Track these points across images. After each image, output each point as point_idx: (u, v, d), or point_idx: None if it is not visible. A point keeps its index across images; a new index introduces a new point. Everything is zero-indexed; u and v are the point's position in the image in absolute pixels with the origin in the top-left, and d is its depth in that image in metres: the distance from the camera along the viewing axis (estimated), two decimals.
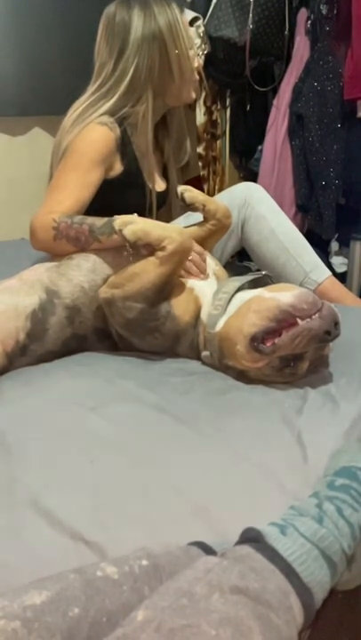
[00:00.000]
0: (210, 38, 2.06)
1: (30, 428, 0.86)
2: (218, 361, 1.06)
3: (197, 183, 2.35)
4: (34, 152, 2.17)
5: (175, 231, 1.05)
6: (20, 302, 1.09)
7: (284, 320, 0.96)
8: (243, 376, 1.02)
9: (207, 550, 0.57)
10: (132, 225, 1.04)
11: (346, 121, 2.07)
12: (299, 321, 0.95)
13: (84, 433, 0.85)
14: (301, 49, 2.10)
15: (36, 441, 0.83)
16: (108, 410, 0.91)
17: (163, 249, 1.03)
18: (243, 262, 2.29)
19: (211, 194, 2.41)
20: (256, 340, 0.97)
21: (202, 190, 2.39)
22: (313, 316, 0.95)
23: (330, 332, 0.94)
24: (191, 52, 1.32)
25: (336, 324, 0.95)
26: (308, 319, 0.94)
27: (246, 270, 2.17)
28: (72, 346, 1.12)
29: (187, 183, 2.18)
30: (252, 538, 0.55)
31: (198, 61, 1.38)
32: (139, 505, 0.71)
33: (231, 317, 1.04)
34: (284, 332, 0.96)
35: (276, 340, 0.96)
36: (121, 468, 0.78)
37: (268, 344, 0.97)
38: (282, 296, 0.98)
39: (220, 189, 2.43)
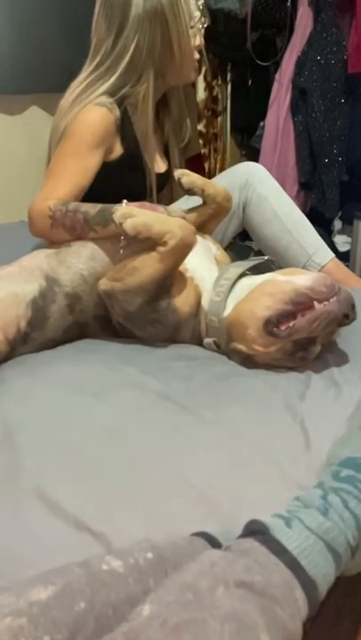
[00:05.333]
0: (210, 11, 2.00)
1: (34, 416, 0.86)
2: (224, 345, 1.05)
3: (198, 161, 2.31)
4: (31, 131, 2.13)
5: (176, 225, 1.03)
6: (20, 289, 1.08)
7: (301, 303, 0.95)
8: (249, 361, 1.02)
9: (211, 540, 0.57)
10: (133, 218, 1.02)
11: (350, 95, 2.02)
12: (316, 304, 0.95)
13: (88, 421, 0.85)
14: (304, 20, 2.03)
15: (40, 430, 0.83)
16: (110, 397, 0.91)
17: (164, 244, 1.02)
18: (245, 242, 2.27)
19: (212, 172, 2.37)
20: (270, 324, 0.96)
21: (203, 168, 2.37)
22: (331, 300, 0.94)
23: (348, 314, 0.94)
24: (192, 30, 1.28)
25: (353, 307, 0.95)
26: (326, 302, 0.94)
27: (248, 250, 2.16)
28: (73, 333, 1.12)
29: (187, 161, 2.15)
30: (256, 530, 0.55)
31: (199, 39, 1.34)
32: (143, 493, 0.72)
33: (242, 301, 1.03)
34: (300, 316, 0.95)
35: (292, 324, 0.95)
36: (125, 456, 0.78)
37: (283, 328, 0.96)
38: (299, 279, 0.97)
39: (222, 167, 2.39)
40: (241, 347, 1.01)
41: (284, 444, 0.81)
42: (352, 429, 0.81)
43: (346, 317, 0.94)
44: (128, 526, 0.67)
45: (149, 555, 0.52)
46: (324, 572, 0.52)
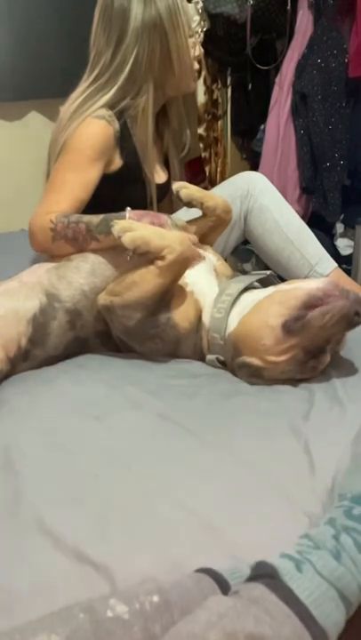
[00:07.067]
0: (209, 15, 1.98)
1: (34, 441, 0.85)
2: (230, 361, 1.04)
3: (199, 164, 2.30)
4: (31, 137, 2.12)
5: (175, 240, 1.03)
6: (20, 306, 1.07)
7: (314, 306, 0.95)
8: (258, 375, 1.00)
9: (218, 579, 0.56)
10: (131, 232, 1.01)
11: (351, 99, 2.00)
12: None
13: (89, 445, 0.84)
14: (304, 24, 2.01)
15: (40, 455, 0.82)
16: (112, 419, 0.90)
17: (162, 258, 1.01)
18: (247, 245, 2.25)
19: (213, 176, 2.36)
20: (287, 327, 0.96)
21: (204, 172, 2.35)
22: None
23: (359, 312, 0.94)
24: (191, 41, 1.27)
25: None
26: None
27: (250, 253, 2.14)
28: (74, 349, 1.11)
29: (188, 164, 2.14)
30: (265, 574, 0.54)
31: (198, 50, 1.32)
32: (145, 523, 0.71)
33: (249, 315, 1.02)
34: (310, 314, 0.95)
35: (306, 317, 0.94)
36: (126, 483, 0.77)
37: None
38: (309, 283, 0.99)
39: (223, 171, 2.38)
40: (251, 360, 1.00)
41: (287, 468, 0.80)
42: (358, 455, 0.79)
43: (357, 315, 0.94)
44: (130, 558, 0.66)
45: (155, 598, 0.51)
46: (335, 620, 0.51)
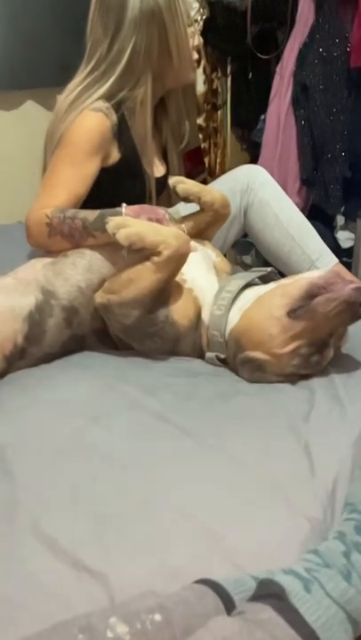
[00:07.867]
0: (209, 3, 1.95)
1: (30, 442, 0.84)
2: (232, 357, 1.03)
3: (198, 154, 2.27)
4: (27, 126, 2.09)
5: (171, 235, 1.01)
6: (16, 303, 1.05)
7: (317, 295, 0.94)
8: (260, 371, 0.99)
9: (221, 593, 0.54)
10: (126, 229, 0.99)
11: (353, 90, 1.97)
12: None
13: (86, 447, 0.83)
14: (306, 12, 1.97)
15: (37, 457, 0.81)
16: (110, 420, 0.89)
17: (158, 254, 0.99)
18: (246, 238, 2.23)
19: (212, 167, 2.33)
20: (292, 313, 0.95)
21: (203, 162, 2.32)
22: None
23: None
24: (190, 30, 1.24)
25: None
26: None
27: (250, 246, 2.12)
28: (71, 347, 1.10)
29: (187, 155, 2.11)
30: (272, 593, 0.52)
31: (198, 40, 1.29)
32: (144, 529, 0.70)
33: (251, 309, 1.01)
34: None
35: (311, 303, 0.94)
36: (124, 487, 0.76)
37: None
38: (311, 273, 0.99)
39: (222, 162, 2.35)
40: (255, 354, 0.98)
41: (288, 470, 0.79)
42: None
43: None
44: (128, 564, 0.65)
45: (157, 617, 0.49)
46: None
